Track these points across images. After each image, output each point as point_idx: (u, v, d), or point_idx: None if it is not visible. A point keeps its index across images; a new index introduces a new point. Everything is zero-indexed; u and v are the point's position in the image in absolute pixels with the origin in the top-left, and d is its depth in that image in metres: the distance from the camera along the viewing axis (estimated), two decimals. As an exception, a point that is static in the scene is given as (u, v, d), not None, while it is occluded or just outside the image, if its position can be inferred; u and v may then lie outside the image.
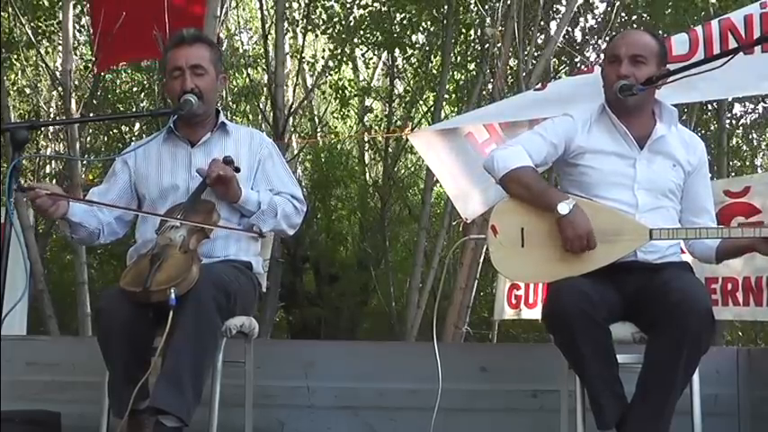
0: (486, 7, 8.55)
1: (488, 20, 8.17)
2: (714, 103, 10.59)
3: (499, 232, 2.67)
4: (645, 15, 9.70)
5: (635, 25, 9.67)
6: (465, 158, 4.30)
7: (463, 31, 10.01)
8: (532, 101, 4.26)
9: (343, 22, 10.17)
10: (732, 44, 3.63)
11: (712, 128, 11.12)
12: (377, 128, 12.25)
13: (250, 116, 12.18)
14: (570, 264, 2.57)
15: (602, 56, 2.90)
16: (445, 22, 9.65)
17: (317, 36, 11.27)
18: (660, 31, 9.10)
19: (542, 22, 9.35)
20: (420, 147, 4.65)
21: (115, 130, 11.63)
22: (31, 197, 2.52)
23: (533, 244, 2.63)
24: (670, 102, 2.84)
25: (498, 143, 4.23)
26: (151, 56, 7.17)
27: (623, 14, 9.91)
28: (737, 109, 11.17)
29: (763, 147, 12.53)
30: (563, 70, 10.52)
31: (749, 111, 11.48)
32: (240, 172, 2.76)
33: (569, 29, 9.90)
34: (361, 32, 10.47)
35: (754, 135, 11.87)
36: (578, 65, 10.00)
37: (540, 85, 5.21)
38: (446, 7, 9.41)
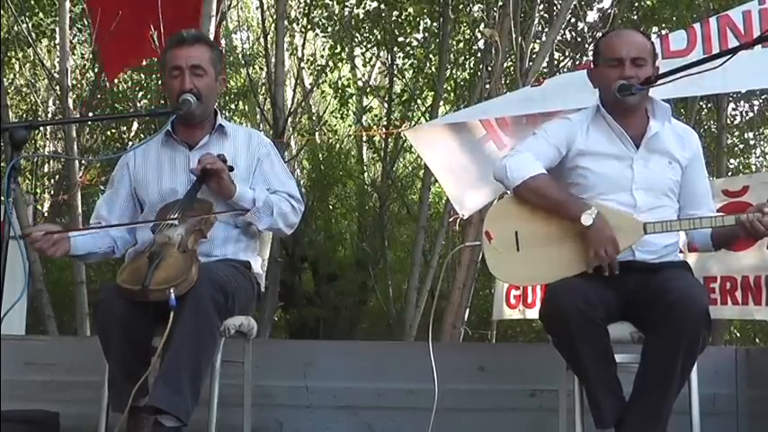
0: (484, 5, 8.54)
1: (485, 19, 8.16)
2: (713, 104, 10.59)
3: (494, 238, 2.67)
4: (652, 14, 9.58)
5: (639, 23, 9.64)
6: (462, 154, 4.29)
7: (462, 30, 10.00)
8: (530, 97, 4.25)
9: (342, 21, 10.16)
10: (731, 40, 3.63)
11: (707, 126, 11.11)
12: (375, 127, 12.24)
13: (249, 116, 12.16)
14: (567, 264, 2.57)
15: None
16: (443, 20, 9.64)
17: (316, 35, 11.26)
18: (660, 29, 9.12)
19: (542, 18, 9.34)
20: (417, 143, 4.65)
21: (113, 130, 11.61)
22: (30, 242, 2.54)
23: (529, 247, 2.63)
24: (669, 97, 2.82)
25: (495, 140, 4.22)
26: (149, 56, 7.12)
27: (627, 12, 9.87)
28: (732, 108, 11.16)
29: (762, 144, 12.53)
30: (562, 68, 10.50)
31: (746, 110, 11.47)
32: (233, 171, 2.75)
33: (571, 21, 9.86)
34: (361, 31, 10.47)
35: (750, 134, 11.86)
36: (578, 62, 9.99)
37: (537, 81, 5.20)
38: (443, 6, 9.41)
